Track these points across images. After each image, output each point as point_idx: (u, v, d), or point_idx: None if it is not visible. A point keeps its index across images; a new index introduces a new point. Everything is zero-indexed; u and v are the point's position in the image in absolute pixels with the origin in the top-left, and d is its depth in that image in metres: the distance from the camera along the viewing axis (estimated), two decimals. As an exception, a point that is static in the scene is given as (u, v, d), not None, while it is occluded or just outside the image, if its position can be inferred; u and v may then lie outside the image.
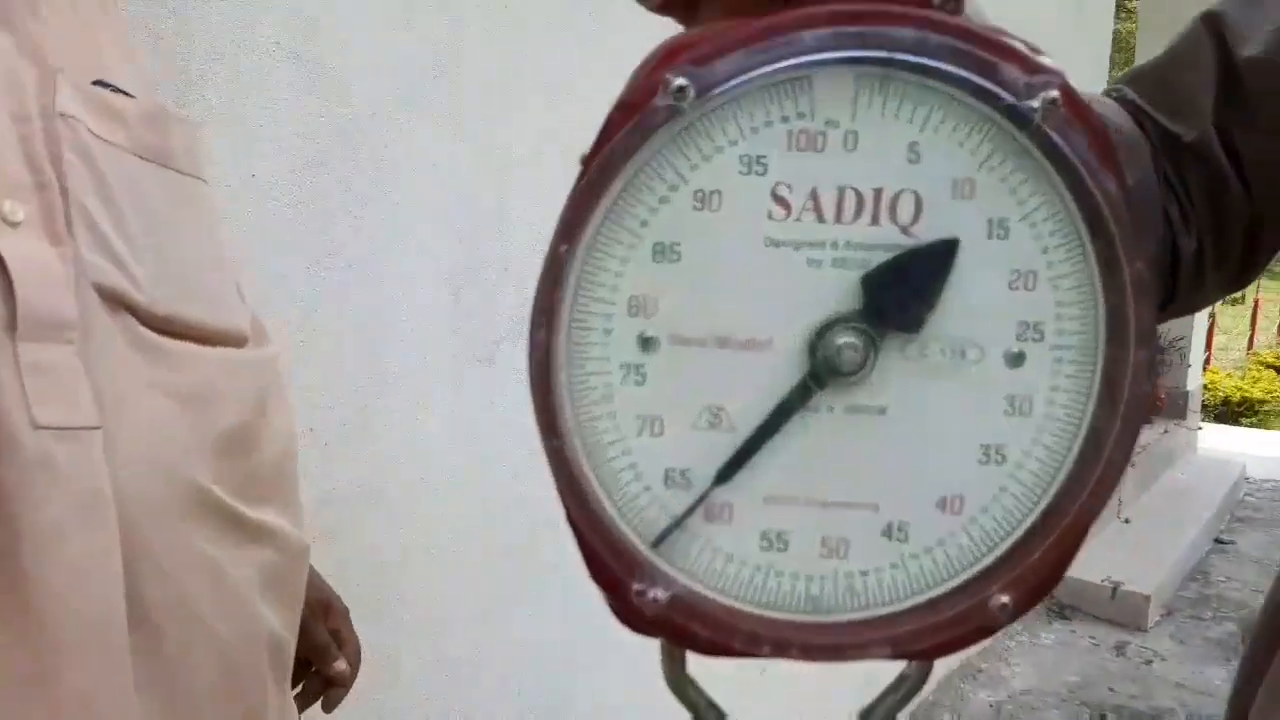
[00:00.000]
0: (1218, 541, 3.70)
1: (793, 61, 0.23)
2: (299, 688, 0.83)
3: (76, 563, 0.45)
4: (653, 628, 0.25)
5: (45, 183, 0.46)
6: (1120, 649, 2.73)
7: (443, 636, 1.28)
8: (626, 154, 0.24)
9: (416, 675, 1.26)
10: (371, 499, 1.17)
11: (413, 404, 1.21)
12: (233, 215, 0.96)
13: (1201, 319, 4.34)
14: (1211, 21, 0.48)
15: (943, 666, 2.36)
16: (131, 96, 0.53)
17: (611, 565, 0.25)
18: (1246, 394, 5.77)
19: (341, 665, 0.84)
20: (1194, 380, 4.43)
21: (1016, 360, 0.25)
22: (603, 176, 0.24)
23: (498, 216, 1.29)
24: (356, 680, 0.94)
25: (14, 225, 0.44)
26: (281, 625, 0.59)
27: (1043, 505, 0.25)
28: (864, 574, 0.26)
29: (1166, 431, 4.12)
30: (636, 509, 0.25)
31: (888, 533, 0.26)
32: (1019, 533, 0.25)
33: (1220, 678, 2.54)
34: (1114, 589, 2.84)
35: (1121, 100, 0.51)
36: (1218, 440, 4.73)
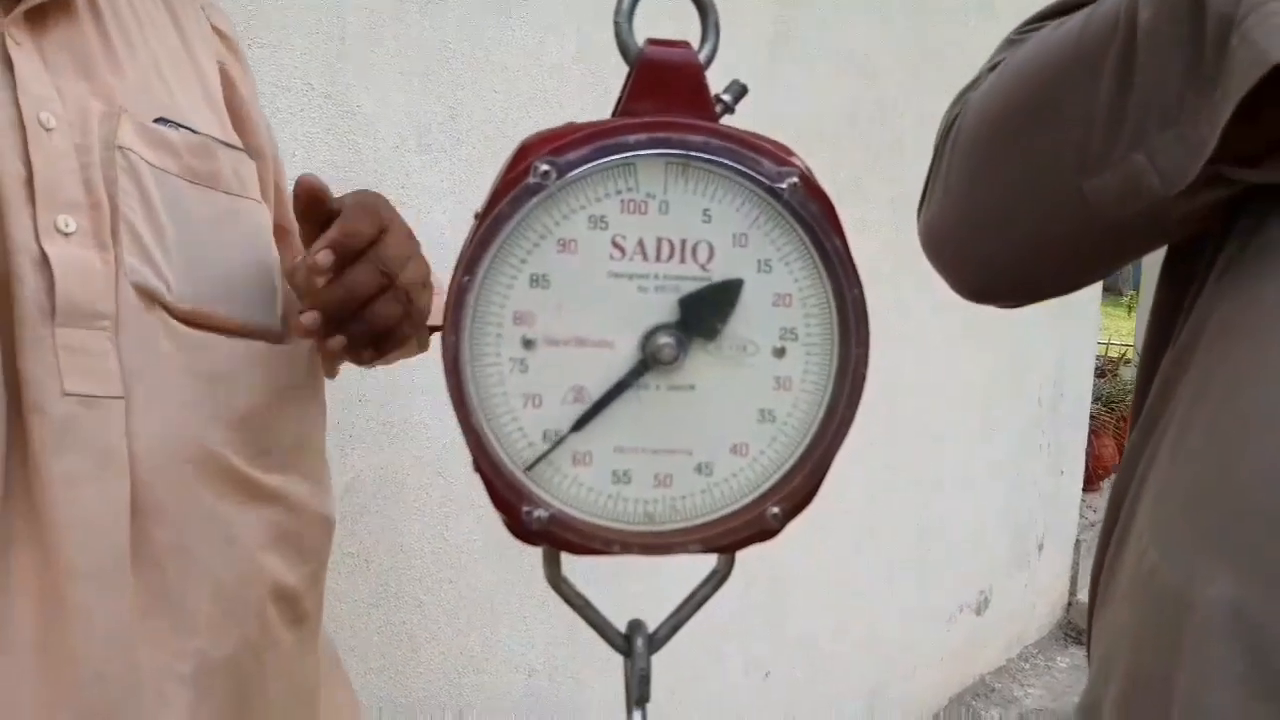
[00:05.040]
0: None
1: (622, 155, 0.34)
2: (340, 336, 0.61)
3: (89, 506, 0.55)
4: (537, 537, 0.37)
5: (97, 202, 0.57)
6: (1132, 676, 2.67)
7: (457, 617, 1.36)
8: (510, 214, 0.35)
9: (435, 659, 1.34)
10: (393, 488, 1.24)
11: (434, 400, 1.24)
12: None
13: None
14: None
15: (955, 684, 2.47)
16: (194, 131, 0.64)
17: (508, 496, 0.36)
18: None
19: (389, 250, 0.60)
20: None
21: (780, 353, 0.37)
22: (493, 229, 0.35)
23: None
24: (379, 661, 0.97)
25: (66, 235, 0.55)
26: (292, 577, 0.69)
27: (801, 449, 0.37)
28: (683, 498, 0.38)
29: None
30: (523, 458, 0.37)
31: (699, 470, 0.38)
32: (785, 467, 0.37)
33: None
34: (1129, 617, 2.78)
35: None
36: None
